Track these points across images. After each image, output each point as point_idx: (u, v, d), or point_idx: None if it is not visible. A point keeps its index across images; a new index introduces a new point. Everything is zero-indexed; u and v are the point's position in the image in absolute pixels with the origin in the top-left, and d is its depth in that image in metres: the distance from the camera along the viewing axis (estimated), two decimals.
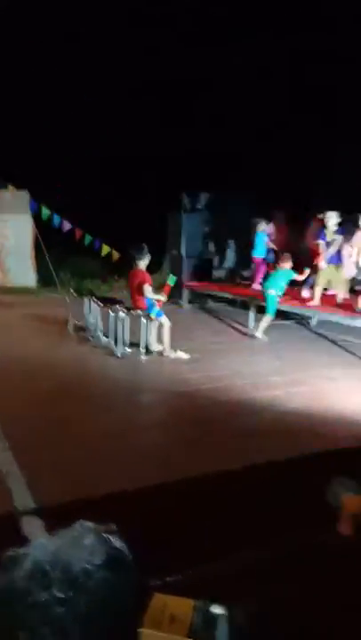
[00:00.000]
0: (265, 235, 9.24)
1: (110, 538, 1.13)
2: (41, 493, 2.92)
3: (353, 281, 7.33)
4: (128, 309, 6.57)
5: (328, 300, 7.94)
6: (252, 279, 9.60)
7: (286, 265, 7.57)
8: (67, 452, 3.69)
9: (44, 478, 3.19)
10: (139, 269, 6.48)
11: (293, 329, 8.31)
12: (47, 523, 1.16)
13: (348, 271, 7.44)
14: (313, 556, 1.14)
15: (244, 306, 8.63)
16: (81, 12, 16.18)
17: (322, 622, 0.94)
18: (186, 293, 10.16)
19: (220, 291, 9.74)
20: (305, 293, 8.16)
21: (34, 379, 5.41)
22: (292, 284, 7.98)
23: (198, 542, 1.19)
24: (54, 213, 11.84)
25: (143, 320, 6.36)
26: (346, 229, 7.49)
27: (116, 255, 11.93)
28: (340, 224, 7.59)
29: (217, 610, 0.93)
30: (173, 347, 6.38)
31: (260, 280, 9.12)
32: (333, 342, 7.32)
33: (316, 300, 7.78)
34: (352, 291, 7.36)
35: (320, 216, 7.92)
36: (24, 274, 11.90)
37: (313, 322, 8.43)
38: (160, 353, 6.42)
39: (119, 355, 6.33)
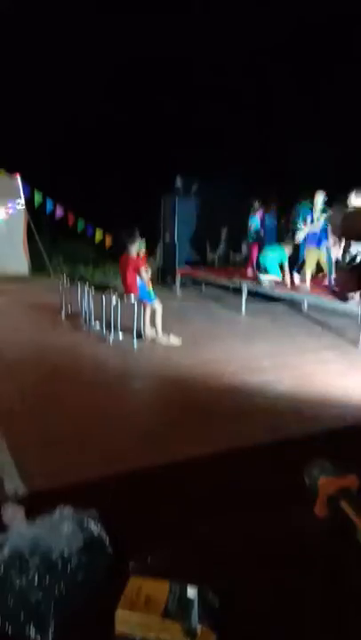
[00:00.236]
0: (257, 219, 9.24)
1: (90, 523, 1.16)
2: (26, 479, 2.97)
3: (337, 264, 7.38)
4: (121, 295, 6.58)
5: (318, 283, 8.00)
6: (245, 264, 9.63)
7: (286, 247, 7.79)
8: (54, 436, 3.73)
9: (32, 462, 3.24)
10: (131, 255, 6.47)
11: (286, 313, 8.34)
12: (28, 509, 1.18)
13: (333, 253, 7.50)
14: (289, 537, 1.17)
15: (237, 291, 8.66)
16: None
17: (293, 604, 0.98)
18: (179, 278, 10.16)
19: (213, 276, 9.74)
20: (296, 278, 8.21)
21: (24, 365, 5.42)
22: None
23: (178, 525, 1.22)
24: (47, 198, 11.75)
25: (136, 305, 6.37)
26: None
27: (109, 241, 11.89)
28: (328, 204, 7.62)
29: (191, 591, 0.96)
30: (166, 332, 6.40)
31: (253, 264, 9.16)
32: (324, 326, 7.36)
33: (307, 284, 7.83)
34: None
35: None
36: (16, 260, 11.77)
37: (304, 306, 8.47)
38: (152, 339, 6.44)
39: (111, 340, 6.34)
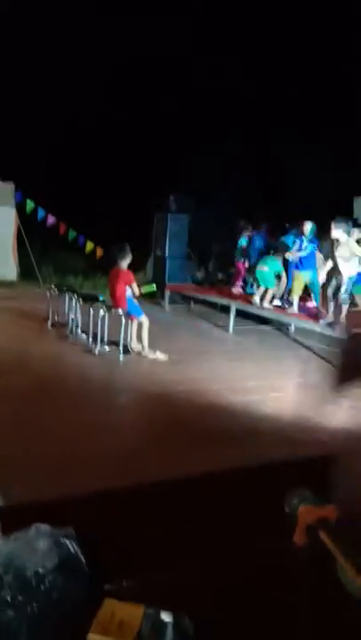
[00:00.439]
0: (246, 240, 9.36)
1: (66, 541, 1.13)
2: (2, 493, 2.91)
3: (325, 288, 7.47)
4: (108, 307, 6.56)
5: (305, 307, 8.10)
6: (231, 282, 9.72)
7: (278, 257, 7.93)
8: (35, 450, 3.67)
9: (9, 476, 3.18)
10: (121, 269, 6.47)
11: (273, 335, 8.39)
12: (4, 524, 1.15)
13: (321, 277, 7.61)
14: (267, 565, 1.17)
15: (225, 309, 8.70)
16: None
17: (269, 633, 0.97)
18: (168, 294, 10.17)
19: (202, 293, 9.79)
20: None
21: (6, 374, 5.35)
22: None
23: (155, 549, 1.21)
24: (39, 206, 11.71)
25: (123, 319, 6.35)
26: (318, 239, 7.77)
27: (100, 252, 11.88)
28: (316, 235, 7.80)
29: (166, 617, 0.95)
30: (152, 347, 6.39)
31: (240, 284, 9.30)
32: (311, 350, 7.40)
33: (295, 308, 7.90)
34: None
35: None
36: (4, 265, 11.64)
37: (291, 329, 8.53)
38: (139, 353, 6.42)
39: (97, 353, 6.31)
